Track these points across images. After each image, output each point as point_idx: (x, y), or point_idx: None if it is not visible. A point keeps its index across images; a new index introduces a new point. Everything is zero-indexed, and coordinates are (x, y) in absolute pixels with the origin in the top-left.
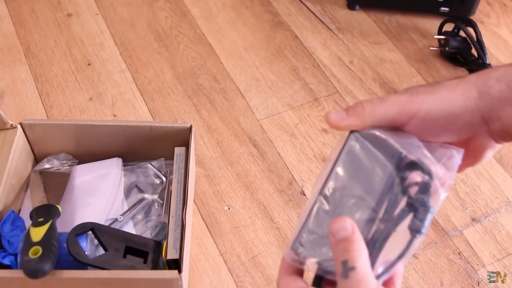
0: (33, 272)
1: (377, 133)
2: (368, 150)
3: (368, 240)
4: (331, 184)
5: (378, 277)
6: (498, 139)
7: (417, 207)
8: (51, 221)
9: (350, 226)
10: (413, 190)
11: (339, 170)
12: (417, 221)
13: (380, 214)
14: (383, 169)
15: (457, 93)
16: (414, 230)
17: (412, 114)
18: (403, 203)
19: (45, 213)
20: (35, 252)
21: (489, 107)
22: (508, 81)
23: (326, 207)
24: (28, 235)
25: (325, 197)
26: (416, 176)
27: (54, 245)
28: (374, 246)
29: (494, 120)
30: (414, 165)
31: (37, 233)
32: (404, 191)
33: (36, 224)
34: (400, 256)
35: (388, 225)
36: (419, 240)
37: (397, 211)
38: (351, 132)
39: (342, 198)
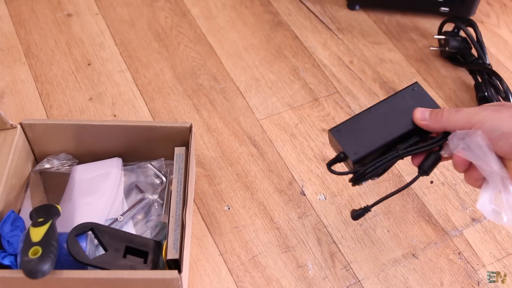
0: (33, 272)
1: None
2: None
3: None
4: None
5: None
6: None
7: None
8: (51, 221)
9: None
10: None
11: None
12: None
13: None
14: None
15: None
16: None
17: (473, 124)
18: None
19: (45, 213)
20: (35, 252)
21: None
22: None
23: None
24: (27, 235)
25: None
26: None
27: (54, 245)
28: None
29: None
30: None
31: (37, 233)
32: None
33: (36, 224)
34: None
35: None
36: None
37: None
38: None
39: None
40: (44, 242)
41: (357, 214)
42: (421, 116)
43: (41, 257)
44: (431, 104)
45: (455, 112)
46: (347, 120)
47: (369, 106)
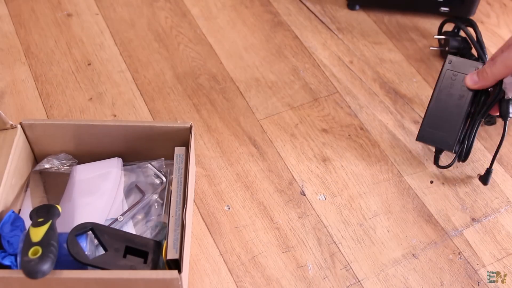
0: (33, 273)
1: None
2: None
3: None
4: None
5: None
6: None
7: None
8: (50, 221)
9: None
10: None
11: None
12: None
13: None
14: None
15: None
16: None
17: (511, 67)
18: None
19: (45, 213)
20: (34, 253)
21: None
22: None
23: None
24: (27, 235)
25: None
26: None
27: (53, 245)
28: None
29: None
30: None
31: (37, 233)
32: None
33: (35, 224)
34: None
35: None
36: None
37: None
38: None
39: None
40: (44, 242)
41: (485, 178)
42: (472, 81)
43: (41, 257)
44: (470, 64)
45: (493, 65)
46: (422, 122)
47: (368, 106)
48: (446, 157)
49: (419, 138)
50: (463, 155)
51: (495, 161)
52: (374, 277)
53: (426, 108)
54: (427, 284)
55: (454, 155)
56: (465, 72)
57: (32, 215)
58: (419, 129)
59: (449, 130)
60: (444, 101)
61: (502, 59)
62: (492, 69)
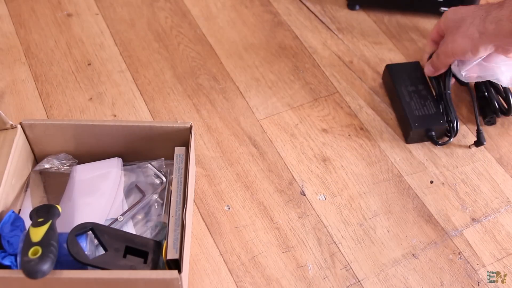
0: (33, 273)
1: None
2: None
3: None
4: None
5: None
6: (505, 54)
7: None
8: (50, 221)
9: None
10: None
11: None
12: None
13: None
14: None
15: (466, 38)
16: None
17: (452, 56)
18: None
19: (45, 213)
20: (34, 253)
21: (488, 41)
22: (496, 21)
23: None
24: (27, 235)
25: None
26: None
27: (53, 245)
28: None
29: (495, 47)
30: None
31: (37, 233)
32: None
33: (35, 224)
34: None
35: None
36: None
37: None
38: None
39: None
40: (44, 242)
41: (479, 139)
42: (430, 72)
43: (41, 257)
44: (410, 66)
45: (438, 57)
46: (407, 126)
47: (368, 105)
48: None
49: (411, 140)
50: (454, 128)
51: (495, 162)
52: (374, 277)
53: (398, 115)
54: (427, 284)
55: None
56: (406, 71)
57: (32, 215)
58: (409, 133)
59: (433, 115)
60: (412, 100)
61: (441, 52)
62: (439, 60)
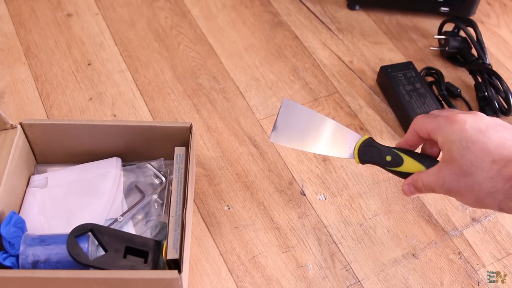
0: None
1: None
2: None
3: None
4: None
5: None
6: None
7: None
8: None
9: None
10: None
11: None
12: None
13: None
14: None
15: (478, 203)
16: None
17: (441, 184)
18: None
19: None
20: None
21: (508, 211)
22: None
23: None
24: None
25: None
26: None
27: None
28: None
29: None
30: None
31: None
32: None
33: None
34: None
35: None
36: None
37: None
38: None
39: None
40: None
41: None
42: (409, 191)
43: None
44: (403, 66)
45: (431, 190)
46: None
47: (368, 105)
48: None
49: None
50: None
51: None
52: (374, 277)
53: (399, 115)
54: (427, 284)
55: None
56: (401, 71)
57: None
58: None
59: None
60: (411, 99)
61: (435, 184)
62: (431, 191)
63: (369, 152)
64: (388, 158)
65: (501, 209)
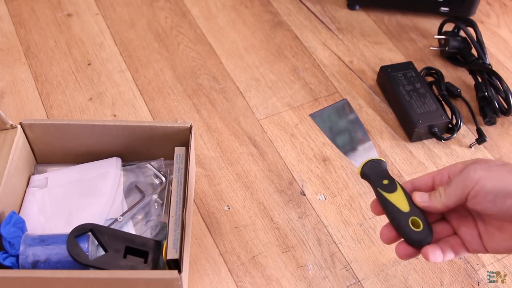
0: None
1: None
2: None
3: None
4: None
5: None
6: None
7: None
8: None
9: None
10: None
11: None
12: None
13: None
14: None
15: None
16: None
17: (470, 190)
18: None
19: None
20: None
21: None
22: None
23: None
24: (391, 203)
25: None
26: None
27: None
28: None
29: None
30: None
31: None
32: None
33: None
34: None
35: None
36: None
37: None
38: None
39: None
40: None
41: (480, 136)
42: (421, 199)
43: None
44: (402, 66)
45: (448, 188)
46: (411, 125)
47: (368, 105)
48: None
49: (415, 138)
50: (458, 124)
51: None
52: (374, 277)
53: (399, 115)
54: (427, 284)
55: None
56: (401, 71)
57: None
58: (414, 130)
59: (435, 112)
60: (411, 99)
61: (460, 181)
62: (447, 192)
63: (373, 168)
64: (385, 181)
65: None
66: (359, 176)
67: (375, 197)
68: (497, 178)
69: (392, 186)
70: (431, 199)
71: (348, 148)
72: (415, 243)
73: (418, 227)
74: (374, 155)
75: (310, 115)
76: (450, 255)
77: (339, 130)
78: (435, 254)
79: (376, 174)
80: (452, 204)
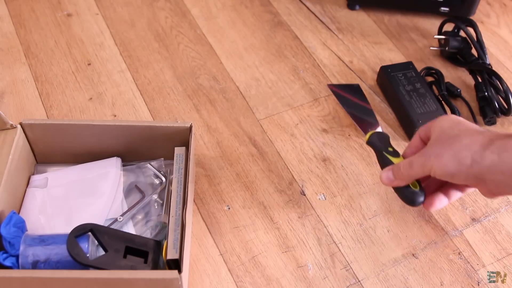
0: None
1: None
2: None
3: None
4: None
5: None
6: (487, 194)
7: None
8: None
9: None
10: None
11: None
12: None
13: None
14: None
15: (454, 160)
16: None
17: (428, 172)
18: None
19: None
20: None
21: (478, 173)
22: (499, 152)
23: None
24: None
25: None
26: None
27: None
28: None
29: (482, 182)
30: None
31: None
32: None
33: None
34: None
35: None
36: None
37: None
38: None
39: None
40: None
41: None
42: (388, 180)
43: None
44: (402, 66)
45: (409, 168)
46: (411, 124)
47: (368, 106)
48: None
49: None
50: None
51: None
52: (374, 277)
53: (399, 115)
54: (427, 284)
55: None
56: (401, 71)
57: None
58: (414, 130)
59: (435, 111)
60: (411, 99)
61: (418, 162)
62: (411, 170)
63: (379, 137)
64: (390, 149)
65: (472, 162)
66: (365, 143)
67: (374, 196)
68: (442, 164)
69: (395, 153)
70: (397, 178)
71: (359, 119)
72: (412, 201)
73: (415, 187)
74: (379, 129)
75: (327, 85)
76: (445, 201)
77: (352, 104)
78: (440, 202)
79: (381, 142)
80: (415, 179)
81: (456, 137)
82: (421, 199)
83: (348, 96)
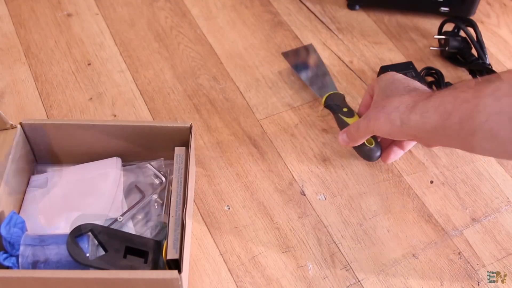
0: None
1: None
2: None
3: None
4: None
5: None
6: (426, 146)
7: None
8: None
9: None
10: None
11: None
12: None
13: None
14: None
15: (387, 121)
16: None
17: (372, 132)
18: None
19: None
20: (370, 142)
21: (408, 132)
22: (422, 113)
23: None
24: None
25: None
26: None
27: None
28: None
29: (416, 138)
30: None
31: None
32: None
33: (344, 114)
34: None
35: None
36: None
37: None
38: None
39: None
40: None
41: None
42: (344, 142)
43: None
44: (401, 67)
45: (358, 130)
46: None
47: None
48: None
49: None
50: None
51: (495, 162)
52: (374, 277)
53: None
54: (427, 284)
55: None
56: (401, 70)
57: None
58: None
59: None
60: None
61: (362, 125)
62: (359, 132)
63: (334, 99)
64: (345, 109)
65: (401, 123)
66: (323, 106)
67: (374, 196)
68: (383, 125)
69: (350, 112)
70: (350, 140)
71: (313, 82)
72: (369, 157)
73: (370, 144)
74: (334, 89)
75: (281, 53)
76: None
77: (305, 67)
78: (395, 154)
79: (337, 103)
80: (365, 138)
81: (388, 98)
82: (377, 154)
83: (303, 60)
